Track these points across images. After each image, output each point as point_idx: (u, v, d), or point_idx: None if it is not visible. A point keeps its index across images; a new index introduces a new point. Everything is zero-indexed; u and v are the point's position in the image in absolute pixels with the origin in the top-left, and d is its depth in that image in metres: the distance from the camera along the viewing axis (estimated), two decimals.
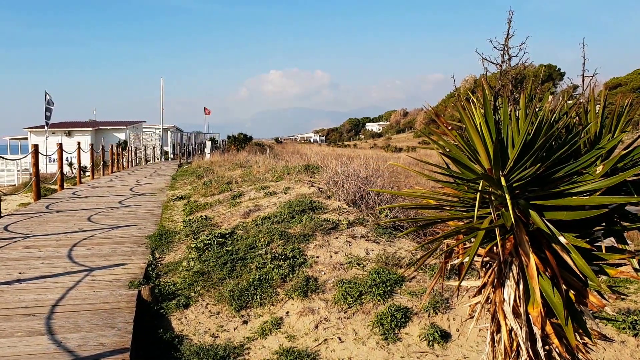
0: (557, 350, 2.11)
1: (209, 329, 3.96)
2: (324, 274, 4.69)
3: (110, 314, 3.80)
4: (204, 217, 7.31)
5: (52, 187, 13.38)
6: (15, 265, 5.14)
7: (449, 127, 2.32)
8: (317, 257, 5.06)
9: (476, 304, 2.36)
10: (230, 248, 5.43)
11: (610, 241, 2.16)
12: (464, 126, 2.18)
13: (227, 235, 5.87)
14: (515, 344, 2.14)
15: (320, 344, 3.72)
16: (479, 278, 2.38)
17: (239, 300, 4.28)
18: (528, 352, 2.07)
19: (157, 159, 31.29)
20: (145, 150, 29.80)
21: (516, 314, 2.10)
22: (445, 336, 3.72)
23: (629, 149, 2.13)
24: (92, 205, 9.63)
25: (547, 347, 2.14)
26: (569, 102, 2.51)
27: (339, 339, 3.76)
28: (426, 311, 4.00)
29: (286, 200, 7.46)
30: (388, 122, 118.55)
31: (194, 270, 4.93)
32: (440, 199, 2.31)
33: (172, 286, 4.60)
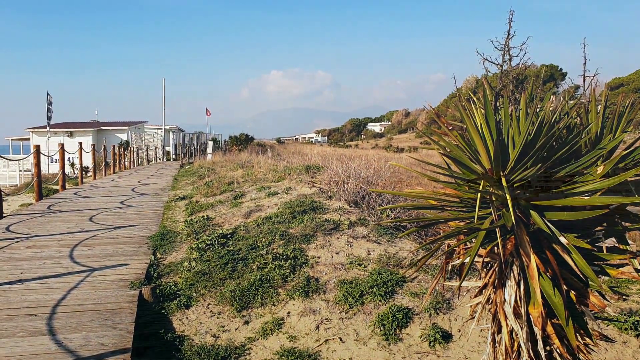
0: (558, 350, 2.10)
1: (210, 329, 3.96)
2: (325, 274, 4.69)
3: (112, 314, 3.80)
4: (206, 217, 7.32)
5: (54, 187, 13.40)
6: (17, 266, 5.16)
7: (450, 128, 2.32)
8: (319, 257, 5.06)
9: (477, 304, 2.36)
10: (231, 248, 5.44)
11: (611, 241, 2.16)
12: (465, 126, 2.18)
13: (228, 236, 5.87)
14: (516, 345, 2.14)
15: (321, 344, 3.72)
16: (480, 278, 2.38)
17: (240, 300, 4.29)
18: (529, 352, 2.07)
19: (159, 159, 31.34)
20: (147, 150, 29.84)
21: (517, 314, 2.10)
22: (446, 337, 3.72)
23: (630, 149, 2.13)
24: (94, 205, 9.65)
25: (548, 348, 2.14)
26: (570, 102, 2.51)
27: (340, 339, 3.76)
28: (427, 312, 3.99)
29: (287, 201, 7.46)
30: (390, 122, 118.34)
31: (195, 270, 4.93)
32: (441, 199, 2.30)
33: (173, 286, 4.61)
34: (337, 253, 5.15)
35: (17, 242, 6.31)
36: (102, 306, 3.98)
